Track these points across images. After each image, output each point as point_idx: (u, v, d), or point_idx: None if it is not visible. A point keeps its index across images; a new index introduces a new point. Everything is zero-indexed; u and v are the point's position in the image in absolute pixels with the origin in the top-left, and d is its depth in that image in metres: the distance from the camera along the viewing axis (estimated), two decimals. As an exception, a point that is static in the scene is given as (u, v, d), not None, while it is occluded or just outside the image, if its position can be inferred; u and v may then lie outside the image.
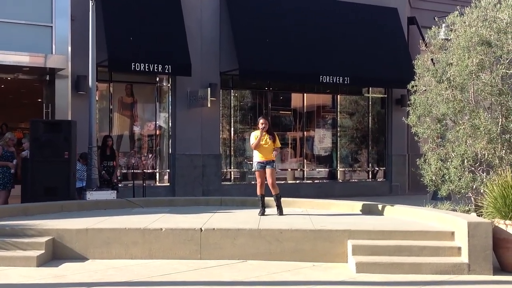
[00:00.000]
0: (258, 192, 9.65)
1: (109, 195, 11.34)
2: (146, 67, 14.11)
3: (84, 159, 12.19)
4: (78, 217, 9.11)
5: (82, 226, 8.00)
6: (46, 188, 10.89)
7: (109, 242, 7.81)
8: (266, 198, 9.72)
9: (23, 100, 17.97)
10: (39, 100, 14.84)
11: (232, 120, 16.66)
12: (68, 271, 7.19)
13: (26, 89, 16.16)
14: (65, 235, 7.84)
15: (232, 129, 16.66)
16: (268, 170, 9.55)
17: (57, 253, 7.77)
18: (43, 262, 7.45)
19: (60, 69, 13.12)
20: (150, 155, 15.85)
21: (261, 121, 9.63)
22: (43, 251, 7.51)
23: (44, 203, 10.09)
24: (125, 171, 15.31)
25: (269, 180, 9.55)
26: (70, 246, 7.79)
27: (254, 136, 9.65)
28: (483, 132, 8.79)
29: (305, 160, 17.75)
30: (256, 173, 9.68)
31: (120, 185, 13.58)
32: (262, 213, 9.47)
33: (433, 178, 9.39)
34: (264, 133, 9.54)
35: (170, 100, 15.73)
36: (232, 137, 16.69)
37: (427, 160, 9.56)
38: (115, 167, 13.12)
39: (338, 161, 18.16)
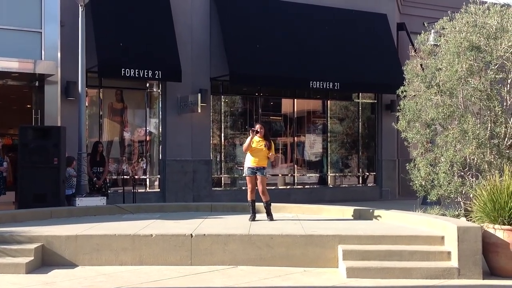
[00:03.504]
0: (249, 198, 9.64)
1: (99, 201, 11.28)
2: (136, 72, 14.08)
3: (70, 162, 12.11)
4: (67, 223, 9.06)
5: (71, 233, 7.96)
6: (35, 195, 10.83)
7: (98, 248, 7.77)
8: (256, 204, 9.71)
9: (12, 106, 17.86)
10: (28, 106, 14.76)
11: (222, 126, 16.66)
12: (57, 278, 7.15)
13: (15, 95, 16.07)
14: (55, 241, 7.79)
15: (222, 134, 16.65)
16: (259, 178, 9.52)
17: (47, 260, 7.72)
18: (32, 269, 7.40)
19: (50, 75, 13.07)
20: (140, 161, 15.80)
21: (257, 126, 9.63)
22: (32, 258, 7.46)
23: (33, 210, 10.04)
24: (115, 177, 15.24)
25: (259, 188, 9.52)
26: (60, 252, 7.74)
27: (249, 138, 9.60)
28: (471, 137, 8.85)
29: (295, 166, 17.77)
30: (247, 178, 9.65)
31: (109, 191, 13.51)
32: (253, 219, 9.45)
33: (423, 183, 9.44)
34: (259, 138, 9.50)
35: (160, 105, 15.71)
36: (223, 143, 16.68)
37: (416, 165, 9.60)
38: (104, 173, 13.06)
39: (329, 167, 18.19)
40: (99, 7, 14.01)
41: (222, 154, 16.67)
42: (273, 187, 16.58)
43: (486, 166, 8.95)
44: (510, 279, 7.23)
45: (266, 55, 15.96)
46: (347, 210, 10.28)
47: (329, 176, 18.24)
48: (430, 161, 9.48)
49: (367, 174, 18.90)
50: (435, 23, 10.05)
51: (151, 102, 15.89)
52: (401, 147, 17.01)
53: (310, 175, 18.18)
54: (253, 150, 9.55)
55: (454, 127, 9.22)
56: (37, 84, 13.78)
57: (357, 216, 10.00)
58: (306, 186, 17.87)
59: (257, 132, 9.52)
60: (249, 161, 9.59)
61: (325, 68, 16.63)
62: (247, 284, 6.94)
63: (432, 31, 11.39)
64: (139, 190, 14.86)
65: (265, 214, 9.68)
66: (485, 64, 9.19)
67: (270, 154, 9.56)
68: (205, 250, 7.78)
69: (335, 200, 16.13)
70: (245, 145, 9.61)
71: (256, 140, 9.56)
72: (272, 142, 9.73)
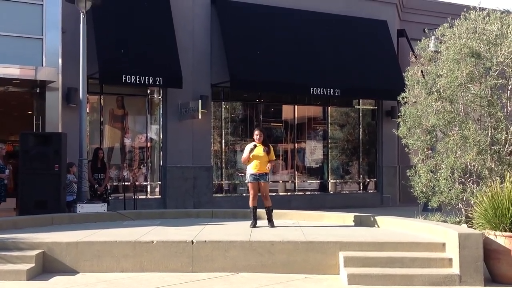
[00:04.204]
0: (251, 204, 9.63)
1: (100, 208, 11.27)
2: (137, 79, 14.11)
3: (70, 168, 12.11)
4: (68, 230, 9.05)
5: (72, 239, 7.95)
6: (36, 201, 10.81)
7: (99, 255, 7.76)
8: (257, 210, 9.71)
9: (14, 112, 17.89)
10: (30, 112, 14.78)
11: (223, 132, 16.67)
12: (58, 284, 7.13)
13: (17, 101, 16.09)
14: (56, 248, 7.78)
15: (223, 141, 16.66)
16: (262, 184, 9.54)
17: (48, 266, 7.70)
18: (33, 275, 7.38)
19: (51, 81, 13.09)
20: (141, 167, 15.80)
21: (256, 132, 9.65)
22: (33, 265, 7.45)
23: (34, 216, 10.02)
24: (116, 183, 15.24)
25: (262, 193, 9.56)
26: (61, 259, 7.73)
27: (249, 149, 9.62)
28: (472, 143, 8.85)
29: (296, 172, 17.77)
30: (249, 185, 9.66)
31: (110, 197, 13.51)
32: (254, 225, 9.45)
33: (424, 189, 9.43)
34: (258, 144, 9.53)
35: (161, 112, 15.73)
36: (224, 149, 16.69)
37: (417, 172, 9.59)
38: (105, 179, 13.06)
39: (329, 173, 18.19)
40: (101, 13, 14.04)
41: (223, 160, 16.67)
42: (274, 194, 16.56)
43: (487, 173, 8.95)
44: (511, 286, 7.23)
45: (267, 62, 15.99)
46: (348, 217, 10.26)
47: (329, 183, 18.23)
48: (431, 168, 9.47)
49: (368, 180, 18.89)
50: (435, 30, 10.07)
51: (152, 109, 15.91)
52: (401, 153, 17.01)
53: (311, 181, 18.18)
54: (254, 157, 9.56)
55: (454, 134, 9.22)
56: (38, 90, 13.80)
57: (358, 222, 9.99)
58: (307, 193, 17.86)
59: (255, 146, 9.54)
60: (251, 168, 9.60)
61: (326, 74, 16.66)
62: (248, 291, 6.93)
63: (433, 37, 11.41)
64: (140, 197, 14.86)
65: (266, 221, 9.68)
66: (485, 70, 9.19)
67: (269, 163, 9.54)
68: (206, 256, 7.77)
69: (336, 207, 16.11)
70: (244, 158, 9.64)
71: (254, 148, 9.58)
72: (271, 147, 9.76)
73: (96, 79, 14.19)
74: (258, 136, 9.56)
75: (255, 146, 9.56)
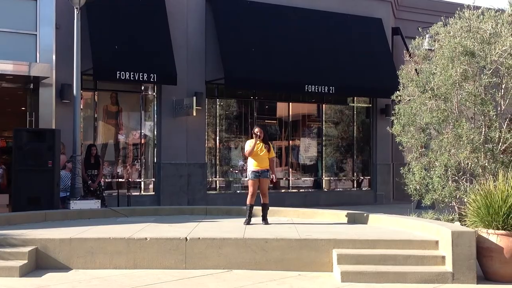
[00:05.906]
0: (248, 202, 9.62)
1: (93, 204, 11.25)
2: (131, 75, 14.07)
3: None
4: (61, 226, 9.04)
5: (65, 236, 7.94)
6: (29, 198, 10.78)
7: (93, 252, 7.75)
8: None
9: (7, 108, 17.81)
10: (23, 108, 14.73)
11: (217, 129, 16.65)
12: (51, 281, 7.12)
13: (10, 97, 16.02)
14: (49, 245, 7.76)
15: (217, 138, 16.65)
16: (263, 180, 9.57)
17: (41, 263, 7.69)
18: (26, 272, 7.37)
19: (44, 77, 13.03)
20: (135, 164, 15.77)
21: (256, 129, 9.68)
22: (26, 261, 7.43)
23: (27, 213, 10.01)
24: (109, 180, 15.20)
25: (262, 189, 9.58)
26: (54, 256, 7.72)
27: (249, 144, 9.66)
28: (466, 141, 8.88)
29: (290, 169, 17.77)
30: (250, 181, 9.64)
31: (104, 194, 13.47)
32: (248, 223, 9.46)
33: (417, 187, 9.46)
34: (259, 141, 9.57)
35: (155, 108, 15.69)
36: (218, 146, 16.67)
37: (411, 169, 9.62)
38: (99, 176, 13.03)
39: (323, 170, 18.20)
40: (95, 10, 13.98)
41: (217, 157, 16.66)
42: (268, 191, 16.52)
43: (480, 171, 8.98)
44: (504, 284, 7.25)
45: (261, 59, 15.98)
46: (342, 214, 10.29)
47: (323, 180, 18.24)
48: (424, 165, 9.50)
49: (362, 178, 18.92)
50: (430, 28, 10.09)
51: (146, 105, 15.87)
52: (395, 151, 17.04)
53: (305, 179, 18.18)
54: (255, 154, 9.59)
55: (448, 132, 9.25)
56: (31, 86, 13.74)
57: (352, 220, 10.01)
58: (301, 190, 17.87)
59: (258, 136, 9.58)
60: (253, 165, 9.62)
61: (320, 72, 16.65)
62: (242, 288, 6.94)
63: (427, 36, 11.43)
64: (133, 193, 14.83)
65: (260, 218, 9.70)
66: (479, 69, 9.22)
67: (271, 157, 9.63)
68: (200, 253, 7.78)
69: (330, 204, 16.14)
70: (249, 150, 9.62)
71: (256, 144, 9.61)
72: (271, 145, 9.83)
73: (90, 75, 14.14)
74: (259, 134, 9.59)
75: (256, 142, 9.58)
